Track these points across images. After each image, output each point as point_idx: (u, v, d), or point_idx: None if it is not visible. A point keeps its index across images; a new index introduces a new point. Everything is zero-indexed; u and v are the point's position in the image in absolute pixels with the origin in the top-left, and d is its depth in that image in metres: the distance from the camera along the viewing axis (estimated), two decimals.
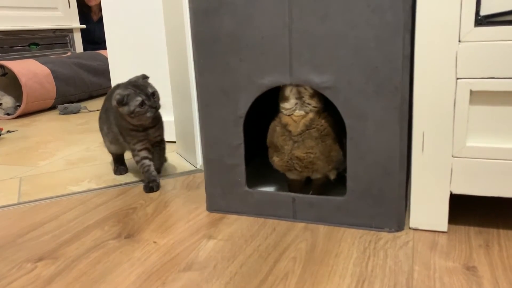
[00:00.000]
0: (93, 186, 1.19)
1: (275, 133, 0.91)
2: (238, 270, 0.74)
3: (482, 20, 0.74)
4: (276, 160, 0.92)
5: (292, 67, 0.84)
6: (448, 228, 0.84)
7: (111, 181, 1.23)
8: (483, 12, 0.73)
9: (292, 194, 0.91)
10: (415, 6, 0.76)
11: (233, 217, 0.94)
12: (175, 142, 1.51)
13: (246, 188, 0.94)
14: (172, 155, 1.44)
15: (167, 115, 1.55)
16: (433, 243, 0.80)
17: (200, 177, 1.22)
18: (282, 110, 0.89)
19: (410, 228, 0.86)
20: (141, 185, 1.17)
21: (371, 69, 0.80)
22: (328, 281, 0.70)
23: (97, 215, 0.99)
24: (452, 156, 0.80)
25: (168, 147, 1.51)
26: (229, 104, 0.90)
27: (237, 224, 0.91)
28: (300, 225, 0.89)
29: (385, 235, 0.84)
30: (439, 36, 0.75)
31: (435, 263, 0.73)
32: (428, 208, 0.83)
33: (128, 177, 1.25)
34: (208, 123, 0.93)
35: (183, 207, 1.01)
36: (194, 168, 1.30)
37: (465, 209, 0.92)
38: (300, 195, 0.90)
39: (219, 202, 0.97)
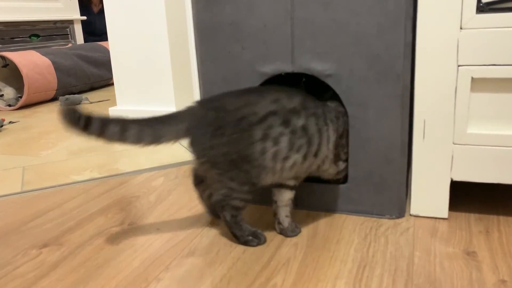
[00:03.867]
0: (96, 175, 1.20)
1: None
2: (240, 256, 0.75)
3: (483, 7, 0.74)
4: None
5: (294, 55, 0.84)
6: (449, 215, 0.84)
7: (114, 170, 1.23)
8: None
9: None
10: None
11: None
12: None
13: None
14: (175, 146, 1.44)
15: (169, 107, 1.57)
16: (434, 229, 0.81)
17: None
18: None
19: (411, 215, 0.86)
20: (145, 174, 1.18)
21: (373, 56, 0.80)
22: (330, 266, 0.71)
23: (100, 203, 1.00)
24: (453, 143, 0.80)
25: None
26: None
27: None
28: (302, 212, 0.90)
29: (386, 222, 0.84)
30: (440, 23, 0.76)
31: (436, 249, 0.74)
32: (429, 195, 0.84)
33: (131, 166, 1.26)
34: None
35: (185, 195, 1.02)
36: None
37: (466, 196, 0.92)
38: (303, 183, 0.91)
39: None
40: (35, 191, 1.10)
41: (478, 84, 0.77)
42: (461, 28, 0.75)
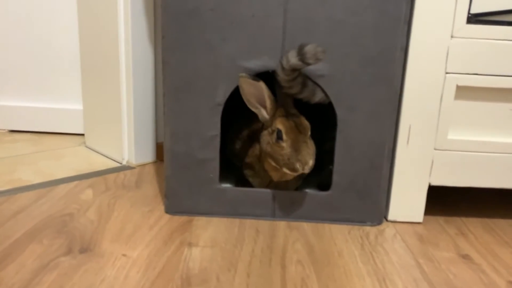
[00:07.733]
0: None
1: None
2: (247, 281, 0.64)
3: (472, 18, 0.77)
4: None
5: (284, 51, 0.76)
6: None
7: (18, 181, 0.97)
8: (473, 10, 0.77)
9: (272, 191, 0.83)
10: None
11: (202, 219, 0.83)
12: (82, 134, 1.28)
13: (219, 186, 0.83)
14: (80, 149, 1.22)
15: (74, 103, 1.32)
16: (417, 234, 0.81)
17: (133, 175, 1.05)
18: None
19: (388, 220, 0.86)
20: (63, 185, 0.95)
21: (367, 59, 0.77)
22: (349, 282, 0.65)
23: (22, 226, 0.77)
24: (434, 148, 0.82)
25: (73, 139, 1.30)
26: (205, 89, 0.78)
27: (212, 227, 0.79)
28: (282, 223, 0.82)
29: (370, 229, 0.82)
30: (434, 30, 0.76)
31: (433, 255, 0.74)
32: (407, 200, 0.85)
33: (38, 176, 1.01)
34: (176, 111, 0.80)
35: (134, 211, 0.85)
36: (120, 165, 1.12)
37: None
38: (281, 192, 0.83)
39: (184, 202, 0.83)
40: None
41: (461, 92, 0.79)
42: (452, 37, 0.77)
